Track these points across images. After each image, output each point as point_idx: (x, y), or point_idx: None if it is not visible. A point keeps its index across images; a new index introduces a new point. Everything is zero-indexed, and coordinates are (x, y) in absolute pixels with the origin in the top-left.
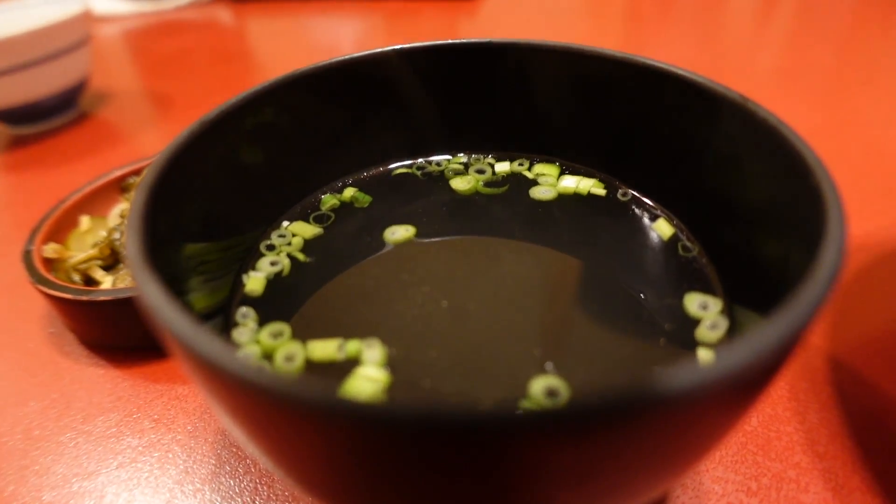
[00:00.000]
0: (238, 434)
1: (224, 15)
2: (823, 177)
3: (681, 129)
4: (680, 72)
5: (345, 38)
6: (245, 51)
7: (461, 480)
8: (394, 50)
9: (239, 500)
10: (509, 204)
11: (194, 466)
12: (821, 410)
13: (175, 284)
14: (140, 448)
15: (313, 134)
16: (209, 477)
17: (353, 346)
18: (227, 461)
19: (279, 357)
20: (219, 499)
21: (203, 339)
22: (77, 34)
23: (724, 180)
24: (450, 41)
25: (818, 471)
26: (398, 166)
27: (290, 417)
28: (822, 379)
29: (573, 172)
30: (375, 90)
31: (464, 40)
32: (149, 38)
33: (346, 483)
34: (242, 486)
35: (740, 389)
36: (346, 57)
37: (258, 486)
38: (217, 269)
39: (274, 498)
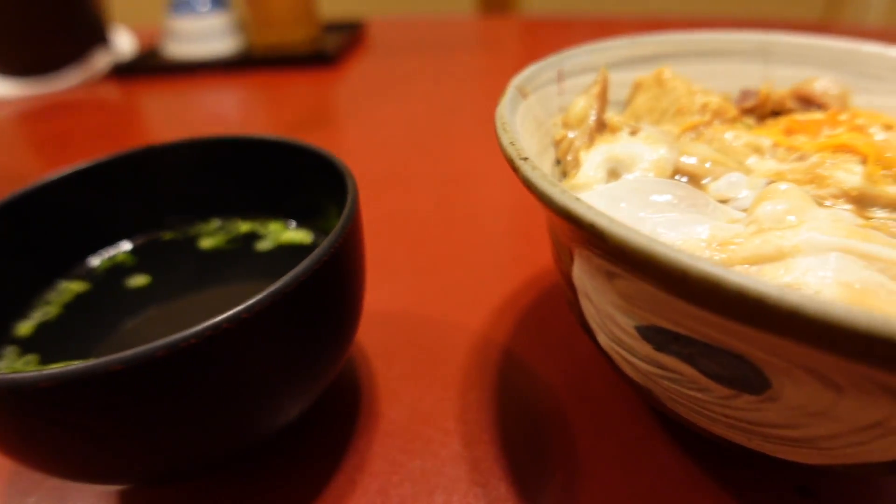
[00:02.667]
0: None
1: (113, 93)
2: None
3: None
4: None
5: (229, 108)
6: (132, 126)
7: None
8: (142, 150)
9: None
10: (238, 255)
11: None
12: (481, 390)
13: None
14: None
15: (84, 217)
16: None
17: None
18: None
19: None
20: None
21: None
22: None
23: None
24: (175, 143)
25: (459, 433)
26: (167, 232)
27: None
28: (491, 367)
29: (295, 227)
30: (131, 183)
31: (182, 141)
32: (35, 119)
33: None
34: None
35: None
36: (106, 158)
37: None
38: None
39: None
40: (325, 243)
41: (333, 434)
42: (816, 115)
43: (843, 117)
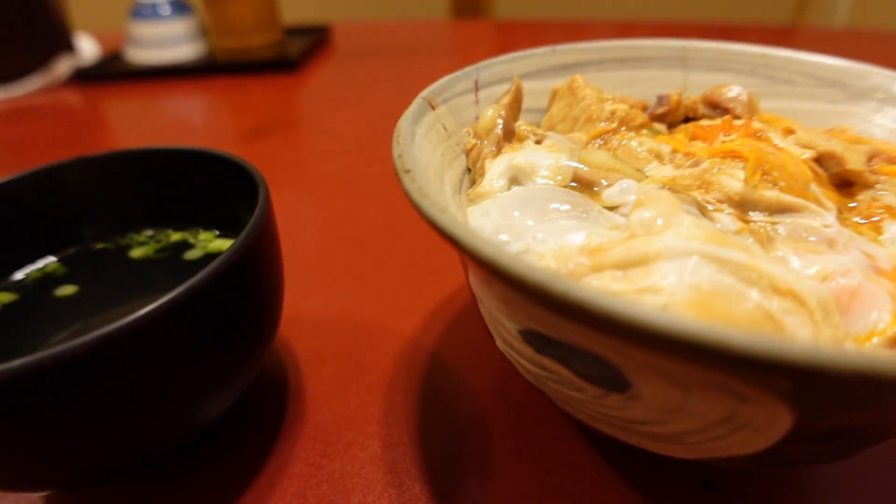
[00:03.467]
0: None
1: (74, 99)
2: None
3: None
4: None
5: (190, 114)
6: (93, 133)
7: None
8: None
9: None
10: (167, 264)
11: None
12: (406, 394)
13: None
14: None
15: (15, 229)
16: None
17: None
18: None
19: None
20: None
21: None
22: None
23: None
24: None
25: (380, 435)
26: (99, 243)
27: None
28: (418, 371)
29: (224, 236)
30: (63, 195)
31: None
32: None
33: None
34: None
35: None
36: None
37: None
38: None
39: None
40: (224, 255)
41: (257, 438)
42: (717, 122)
43: (738, 123)
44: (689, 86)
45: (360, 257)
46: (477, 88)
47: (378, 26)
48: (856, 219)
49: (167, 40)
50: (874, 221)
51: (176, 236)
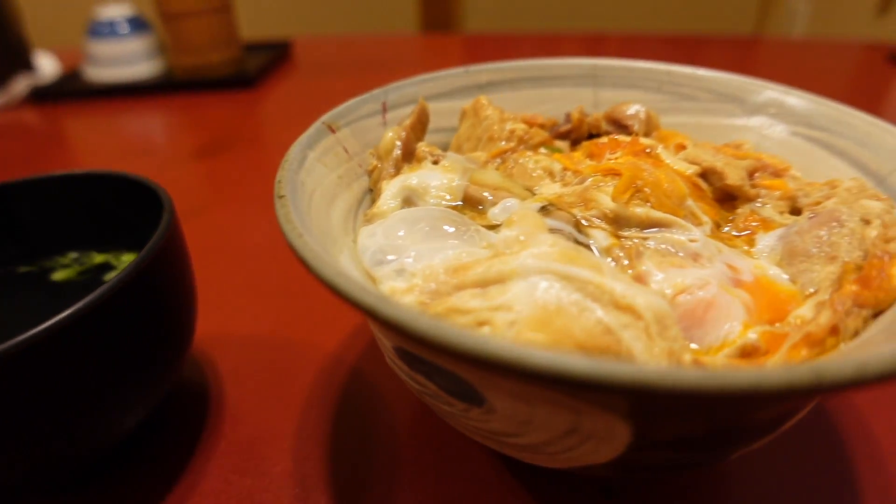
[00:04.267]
0: None
1: (31, 118)
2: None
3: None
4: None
5: (147, 132)
6: (49, 152)
7: None
8: None
9: None
10: (88, 286)
11: None
12: (322, 408)
13: None
14: None
15: None
16: None
17: None
18: None
19: None
20: None
21: None
22: None
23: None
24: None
25: (293, 450)
26: (23, 266)
27: None
28: (336, 386)
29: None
30: None
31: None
32: None
33: None
34: None
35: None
36: None
37: None
38: None
39: None
40: (112, 280)
41: (172, 456)
42: (603, 140)
43: (624, 140)
44: (600, 102)
45: (292, 273)
46: (385, 110)
47: (342, 41)
48: (734, 232)
49: (125, 58)
50: (748, 234)
51: (99, 258)
